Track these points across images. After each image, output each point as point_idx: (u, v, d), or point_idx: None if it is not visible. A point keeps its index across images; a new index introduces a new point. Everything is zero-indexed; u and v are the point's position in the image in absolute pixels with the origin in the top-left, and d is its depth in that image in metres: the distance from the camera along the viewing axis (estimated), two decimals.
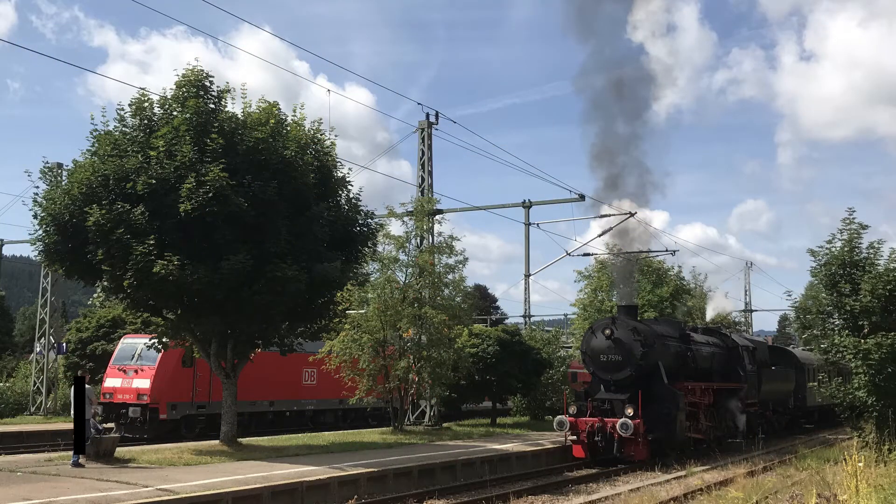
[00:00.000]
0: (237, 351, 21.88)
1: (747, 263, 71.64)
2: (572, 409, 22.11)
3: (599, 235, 34.40)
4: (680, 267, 51.89)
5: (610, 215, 34.04)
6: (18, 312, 78.61)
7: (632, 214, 33.17)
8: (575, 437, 21.87)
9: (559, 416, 22.30)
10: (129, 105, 20.17)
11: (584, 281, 48.54)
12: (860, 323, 20.23)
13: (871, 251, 20.73)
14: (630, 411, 20.97)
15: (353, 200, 22.58)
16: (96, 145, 19.87)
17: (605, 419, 21.38)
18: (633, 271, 29.72)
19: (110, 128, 20.09)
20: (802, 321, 23.35)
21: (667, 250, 40.40)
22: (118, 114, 20.22)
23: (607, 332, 22.50)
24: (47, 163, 21.63)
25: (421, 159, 31.84)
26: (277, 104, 21.10)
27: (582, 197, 34.02)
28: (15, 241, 51.81)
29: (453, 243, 30.22)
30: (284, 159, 19.89)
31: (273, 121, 20.44)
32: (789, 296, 38.30)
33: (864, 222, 21.01)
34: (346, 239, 21.89)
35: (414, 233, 30.42)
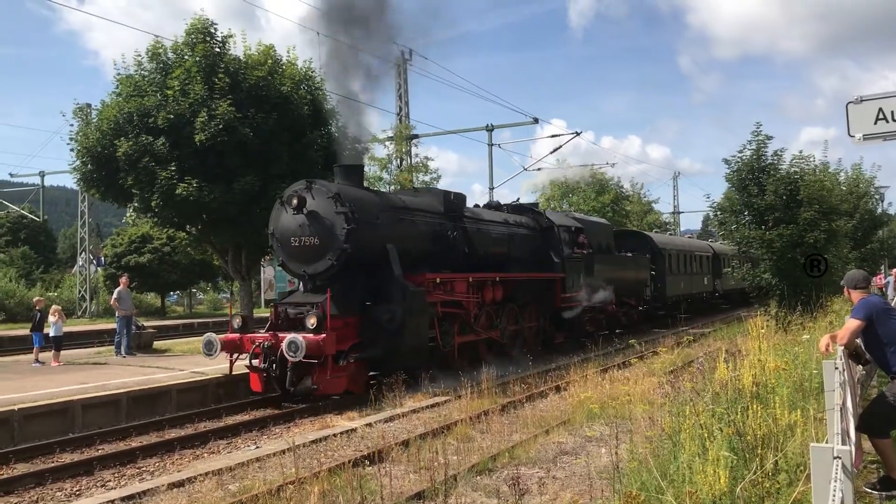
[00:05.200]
0: (250, 258, 22.28)
1: (675, 172, 72.41)
2: (236, 322, 13.40)
3: (551, 152, 34.44)
4: (619, 177, 52.44)
5: (559, 135, 34.22)
6: (59, 234, 78.22)
7: (577, 134, 33.37)
8: (257, 363, 12.89)
9: (208, 334, 13.61)
10: (146, 52, 20.02)
11: (538, 192, 49.08)
12: (765, 218, 20.73)
13: (775, 158, 21.11)
14: (312, 321, 12.22)
15: (342, 128, 22.65)
16: (120, 87, 19.81)
17: (282, 334, 12.35)
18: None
19: (131, 72, 19.97)
20: (719, 219, 23.88)
21: (607, 163, 40.51)
22: (135, 60, 20.09)
23: (295, 202, 13.20)
24: (78, 103, 21.47)
25: (398, 91, 31.73)
26: (273, 46, 20.97)
27: (536, 120, 34.10)
28: (54, 171, 51.33)
29: (428, 163, 30.62)
30: (282, 94, 19.91)
31: (270, 61, 20.38)
32: (708, 198, 38.75)
33: (769, 133, 21.37)
34: (336, 161, 21.98)
35: (394, 155, 30.63)
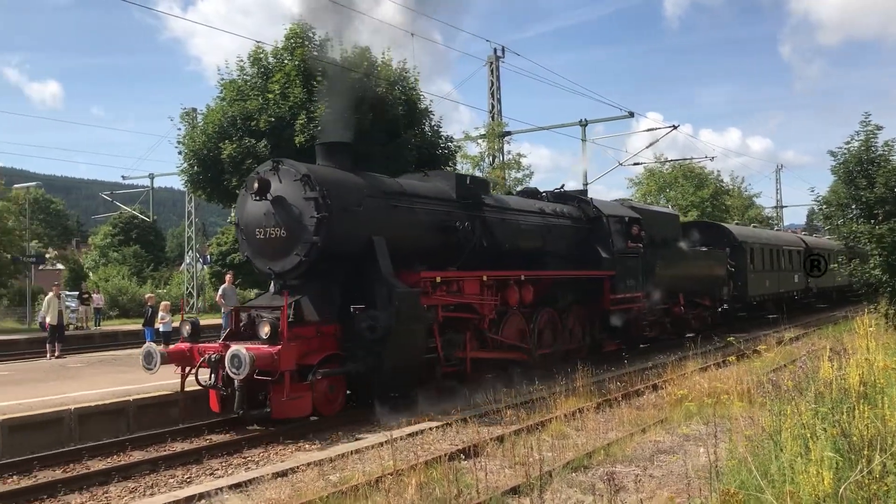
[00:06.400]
0: None
1: (778, 166, 70.18)
2: (186, 329, 11.52)
3: (647, 147, 33.88)
4: (719, 171, 51.07)
5: (655, 129, 33.60)
6: (168, 233, 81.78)
7: (674, 127, 32.69)
8: (212, 380, 10.94)
9: (147, 344, 11.71)
10: (248, 57, 20.77)
11: (635, 188, 48.35)
12: (875, 212, 19.85)
13: (886, 149, 20.17)
14: (266, 330, 10.36)
15: (435, 127, 22.94)
16: (224, 92, 20.62)
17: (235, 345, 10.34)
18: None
19: (234, 77, 20.76)
20: (824, 213, 22.91)
21: (706, 156, 39.41)
22: (238, 65, 20.86)
23: (255, 185, 11.13)
24: (185, 108, 22.47)
25: (491, 88, 31.81)
26: (369, 49, 21.42)
27: (631, 114, 33.56)
28: (163, 174, 54.02)
29: (520, 160, 30.68)
30: (377, 95, 20.31)
31: (366, 63, 20.81)
32: (812, 191, 37.16)
33: (880, 123, 20.46)
34: (430, 160, 22.29)
35: (486, 153, 30.78)
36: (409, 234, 12.44)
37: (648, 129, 36.66)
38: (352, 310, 11.17)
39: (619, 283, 17.06)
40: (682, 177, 47.04)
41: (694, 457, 8.19)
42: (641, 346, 18.97)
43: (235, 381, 10.02)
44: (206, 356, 10.69)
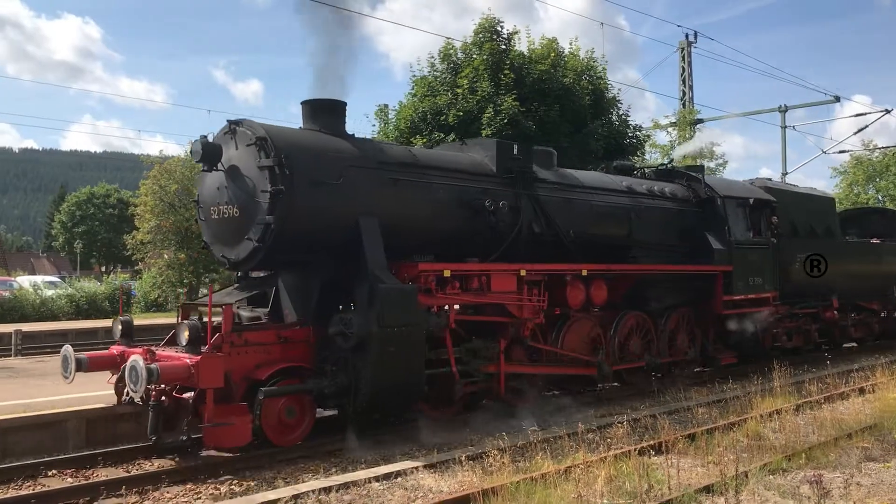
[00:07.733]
0: None
1: None
2: (117, 329, 9.37)
3: (854, 133, 31.54)
4: None
5: (864, 113, 31.14)
6: None
7: (887, 111, 30.18)
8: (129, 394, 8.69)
9: (65, 347, 8.95)
10: (438, 53, 21.41)
11: (840, 177, 45.13)
12: None
13: None
14: (185, 335, 8.17)
15: (623, 116, 22.59)
16: (415, 88, 21.40)
17: (161, 353, 8.42)
18: None
19: (425, 73, 21.49)
20: None
21: None
22: (429, 62, 21.56)
23: (200, 153, 8.61)
24: (378, 106, 23.54)
25: (682, 75, 30.92)
26: (556, 40, 21.49)
27: (837, 99, 31.31)
28: None
29: (713, 148, 29.64)
30: (564, 86, 20.34)
31: (553, 54, 20.88)
32: None
33: None
34: (617, 150, 21.98)
35: (677, 141, 29.97)
36: (418, 215, 9.76)
37: (856, 115, 34.14)
38: (340, 310, 8.95)
39: (737, 281, 13.80)
40: (894, 165, 43.35)
41: None
42: (775, 358, 14.68)
43: (151, 400, 8.04)
44: (124, 366, 8.25)
